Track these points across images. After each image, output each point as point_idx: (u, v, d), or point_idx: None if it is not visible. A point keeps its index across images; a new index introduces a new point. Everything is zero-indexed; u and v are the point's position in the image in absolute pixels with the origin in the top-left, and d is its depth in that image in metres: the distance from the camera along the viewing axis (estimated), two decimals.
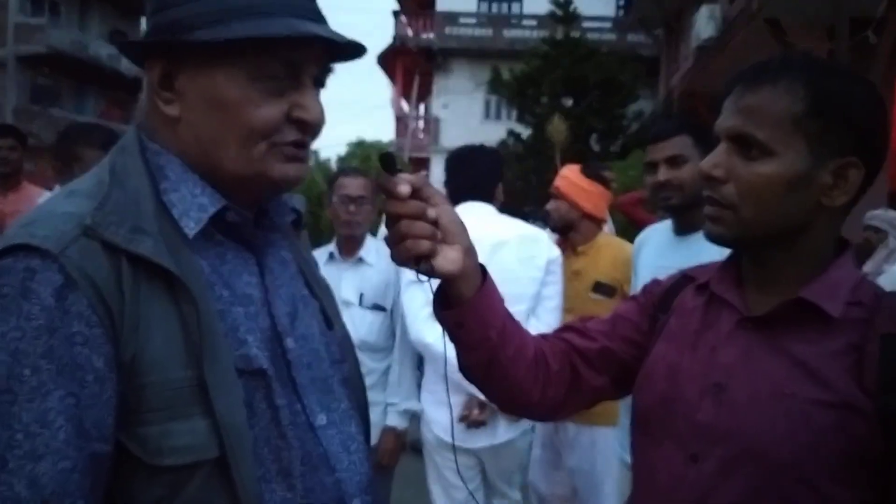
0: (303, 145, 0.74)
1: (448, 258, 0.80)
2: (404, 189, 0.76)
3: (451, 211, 0.82)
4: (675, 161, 1.76)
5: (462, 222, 0.83)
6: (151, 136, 0.74)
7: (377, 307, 2.28)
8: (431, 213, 0.78)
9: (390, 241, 0.80)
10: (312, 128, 0.73)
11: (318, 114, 0.73)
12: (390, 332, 2.31)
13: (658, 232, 1.93)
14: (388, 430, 2.28)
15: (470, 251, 0.83)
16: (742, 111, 0.83)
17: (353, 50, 0.77)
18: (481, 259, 0.86)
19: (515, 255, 2.06)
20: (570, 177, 2.48)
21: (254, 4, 0.68)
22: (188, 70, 0.70)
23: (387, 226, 0.80)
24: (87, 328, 0.63)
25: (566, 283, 2.32)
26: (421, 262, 0.79)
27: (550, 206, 2.52)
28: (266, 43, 0.68)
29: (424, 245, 0.78)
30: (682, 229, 1.79)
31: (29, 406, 0.60)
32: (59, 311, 0.61)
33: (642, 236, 2.03)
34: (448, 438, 2.02)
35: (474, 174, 2.18)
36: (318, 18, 0.73)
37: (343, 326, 0.88)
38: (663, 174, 1.77)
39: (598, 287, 2.36)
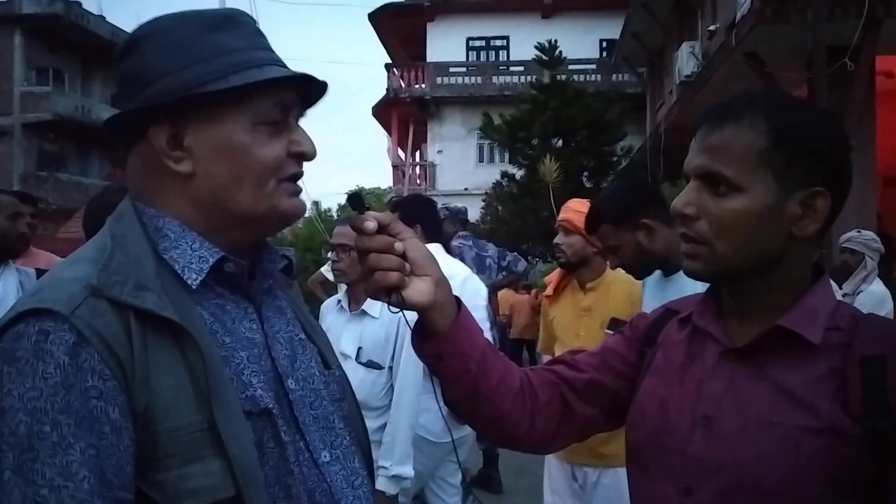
0: (298, 179, 0.81)
1: (418, 289, 0.82)
2: (370, 224, 0.80)
3: (420, 245, 0.84)
4: (610, 250, 1.88)
5: (432, 255, 0.85)
6: (149, 202, 0.78)
7: (372, 364, 2.22)
8: (399, 246, 0.81)
9: (361, 275, 0.83)
10: (309, 158, 0.82)
11: (311, 146, 0.81)
12: (385, 391, 2.22)
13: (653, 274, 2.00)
14: (377, 494, 2.22)
15: (441, 283, 0.84)
16: (708, 150, 0.85)
17: (319, 92, 0.87)
18: (457, 288, 0.88)
19: (475, 286, 2.79)
20: (582, 211, 2.27)
21: (248, 60, 0.77)
22: (195, 126, 0.76)
23: (359, 262, 0.83)
24: (101, 382, 0.65)
25: (575, 320, 2.35)
26: (392, 294, 0.81)
27: (560, 240, 2.35)
28: (262, 88, 0.77)
29: (393, 276, 0.81)
30: (666, 272, 1.88)
31: (51, 461, 0.62)
32: (73, 368, 0.64)
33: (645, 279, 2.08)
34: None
35: (433, 222, 2.81)
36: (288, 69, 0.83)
37: (340, 367, 0.91)
38: (612, 262, 1.95)
39: (615, 323, 2.26)
